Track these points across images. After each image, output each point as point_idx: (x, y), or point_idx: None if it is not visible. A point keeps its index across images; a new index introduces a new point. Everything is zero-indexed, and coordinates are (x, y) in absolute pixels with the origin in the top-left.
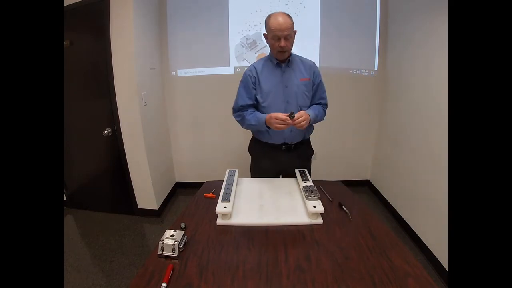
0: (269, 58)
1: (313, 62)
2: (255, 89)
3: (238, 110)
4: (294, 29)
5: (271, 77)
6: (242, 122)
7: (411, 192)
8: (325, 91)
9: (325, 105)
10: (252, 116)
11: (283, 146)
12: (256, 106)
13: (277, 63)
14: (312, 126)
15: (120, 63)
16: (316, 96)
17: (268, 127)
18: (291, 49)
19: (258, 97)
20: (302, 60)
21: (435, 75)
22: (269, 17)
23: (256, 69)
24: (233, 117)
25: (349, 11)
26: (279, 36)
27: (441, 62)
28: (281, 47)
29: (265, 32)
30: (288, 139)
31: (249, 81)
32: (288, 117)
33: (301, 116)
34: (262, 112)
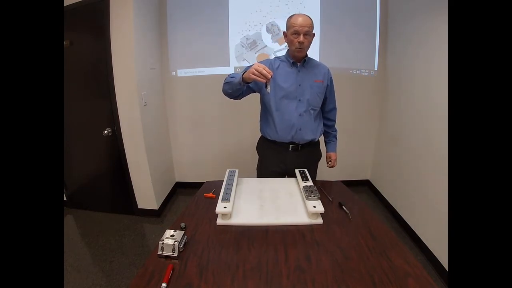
0: (285, 57)
1: (328, 69)
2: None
3: None
4: (313, 31)
5: (286, 74)
6: (223, 85)
7: (411, 192)
8: (334, 94)
9: (335, 117)
10: (233, 74)
11: (291, 146)
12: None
13: (293, 62)
14: (322, 127)
15: (120, 63)
16: (327, 101)
17: (245, 82)
18: (307, 48)
19: (270, 95)
20: (317, 63)
21: (435, 75)
22: (291, 16)
23: (273, 66)
24: (232, 117)
25: (349, 11)
26: (299, 32)
27: (441, 62)
28: (299, 42)
29: (285, 31)
30: (295, 138)
31: None
32: (269, 76)
33: (335, 160)
34: (273, 110)
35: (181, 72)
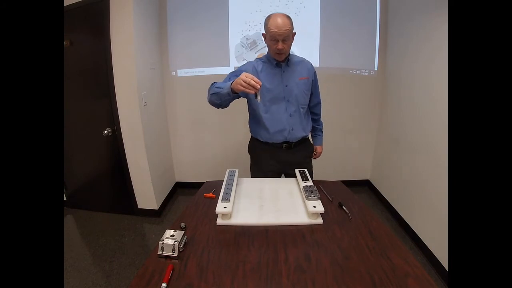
0: (267, 58)
1: (311, 64)
2: None
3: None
4: (293, 31)
5: (271, 76)
6: (209, 91)
7: (411, 192)
8: (318, 88)
9: (320, 111)
10: (221, 83)
11: (284, 145)
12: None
13: (276, 63)
14: (310, 123)
15: (120, 63)
16: (312, 96)
17: (233, 92)
18: (289, 50)
19: (258, 101)
20: (300, 60)
21: (435, 75)
22: (268, 17)
23: (256, 69)
24: (232, 117)
25: (349, 11)
26: (277, 39)
27: (441, 62)
28: (278, 49)
29: (264, 32)
30: (288, 138)
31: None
32: (258, 86)
33: (320, 154)
34: (263, 113)
35: (181, 72)
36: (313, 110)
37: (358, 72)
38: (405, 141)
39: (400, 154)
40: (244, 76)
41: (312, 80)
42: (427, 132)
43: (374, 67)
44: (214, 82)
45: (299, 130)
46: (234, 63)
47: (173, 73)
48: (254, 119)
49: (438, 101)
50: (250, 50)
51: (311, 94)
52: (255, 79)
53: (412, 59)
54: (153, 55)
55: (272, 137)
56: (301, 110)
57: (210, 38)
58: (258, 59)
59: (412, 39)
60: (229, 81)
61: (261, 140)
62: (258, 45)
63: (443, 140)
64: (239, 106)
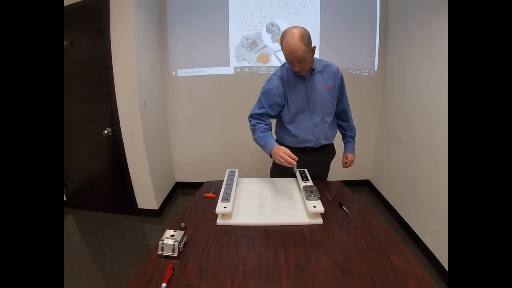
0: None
1: (337, 68)
2: (280, 99)
3: (253, 117)
4: (311, 47)
5: (295, 87)
6: (253, 133)
7: (411, 192)
8: (346, 94)
9: (348, 118)
10: (263, 136)
11: (308, 148)
12: (270, 114)
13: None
14: (335, 130)
15: (120, 63)
16: (338, 102)
17: (271, 156)
18: (309, 66)
19: (284, 109)
20: (325, 65)
21: (436, 74)
22: (283, 36)
23: (282, 81)
24: (232, 117)
25: (349, 11)
26: (292, 61)
27: (441, 61)
28: (295, 70)
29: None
30: (313, 145)
31: (275, 94)
32: (294, 163)
33: (351, 162)
34: (287, 123)
35: (181, 72)
36: (340, 116)
37: (358, 72)
38: (405, 141)
39: (400, 154)
40: (282, 152)
41: (338, 86)
42: (427, 132)
43: (374, 67)
44: (252, 118)
45: (323, 139)
46: (234, 63)
47: (173, 73)
48: (280, 125)
49: (439, 101)
50: (250, 50)
51: (337, 100)
52: (292, 155)
53: (412, 59)
54: (153, 55)
55: (298, 144)
56: (327, 119)
57: (210, 38)
58: (283, 65)
59: (412, 39)
60: (262, 107)
61: (285, 144)
62: (258, 45)
63: (443, 140)
64: (240, 106)
